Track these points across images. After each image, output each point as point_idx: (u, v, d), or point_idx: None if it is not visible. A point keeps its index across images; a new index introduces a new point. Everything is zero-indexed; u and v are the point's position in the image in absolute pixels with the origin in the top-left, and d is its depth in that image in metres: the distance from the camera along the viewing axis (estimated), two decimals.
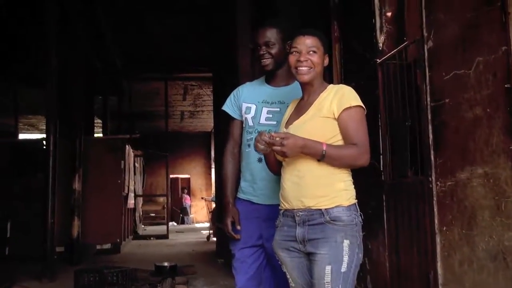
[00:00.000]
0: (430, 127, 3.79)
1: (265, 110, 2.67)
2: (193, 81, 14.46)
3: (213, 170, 19.95)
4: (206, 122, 20.05)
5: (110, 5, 9.34)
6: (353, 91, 2.39)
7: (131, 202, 11.59)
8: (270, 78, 2.75)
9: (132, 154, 11.59)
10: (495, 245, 3.05)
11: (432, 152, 3.76)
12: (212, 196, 17.25)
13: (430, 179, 3.75)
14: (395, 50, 4.40)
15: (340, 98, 2.32)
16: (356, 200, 2.42)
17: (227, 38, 7.07)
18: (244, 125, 2.72)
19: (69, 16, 8.31)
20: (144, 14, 9.73)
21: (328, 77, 6.32)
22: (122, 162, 10.02)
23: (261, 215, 2.62)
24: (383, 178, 4.59)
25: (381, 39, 4.75)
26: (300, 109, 2.41)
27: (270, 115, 2.66)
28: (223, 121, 8.56)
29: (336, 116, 2.29)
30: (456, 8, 3.49)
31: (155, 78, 13.82)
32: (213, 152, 19.17)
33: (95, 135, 14.54)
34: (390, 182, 4.50)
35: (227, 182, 2.72)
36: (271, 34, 2.66)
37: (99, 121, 15.38)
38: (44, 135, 8.50)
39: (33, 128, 20.23)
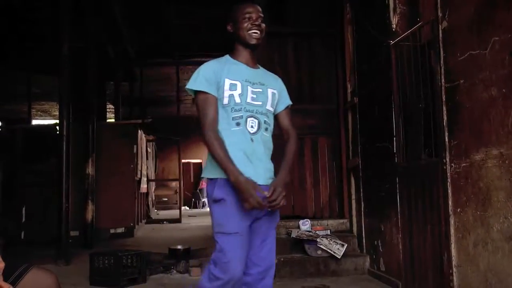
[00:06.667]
0: (444, 108, 3.77)
1: (249, 89, 2.55)
2: None
3: None
4: None
5: None
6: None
7: (143, 186, 11.66)
8: (243, 58, 2.65)
9: (144, 139, 11.62)
10: (510, 226, 3.04)
11: (446, 133, 3.74)
12: None
13: (444, 160, 3.74)
14: (408, 31, 4.36)
15: None
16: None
17: None
18: (226, 102, 2.51)
19: (82, 2, 8.32)
20: (161, 1, 9.69)
21: (340, 59, 6.30)
22: (135, 147, 10.05)
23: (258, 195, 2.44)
24: (396, 160, 4.58)
25: (394, 20, 4.71)
26: None
27: (254, 96, 2.56)
28: None
29: None
30: None
31: (167, 63, 13.81)
32: None
33: (108, 120, 14.61)
34: (403, 164, 4.49)
35: (228, 160, 2.39)
36: (261, 12, 2.65)
37: (111, 106, 15.44)
38: (57, 121, 8.55)
39: (46, 114, 20.37)
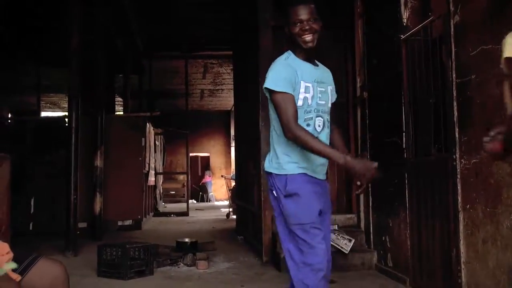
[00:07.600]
0: (455, 104, 3.74)
1: (318, 90, 2.64)
2: (213, 59, 14.42)
3: (232, 149, 19.99)
4: (226, 100, 20.04)
5: None
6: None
7: (151, 179, 11.69)
8: (309, 56, 2.68)
9: (152, 132, 11.63)
10: None
11: (456, 129, 3.71)
12: (232, 174, 17.31)
13: (454, 156, 3.71)
14: (420, 26, 4.33)
15: None
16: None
17: (248, 16, 7.01)
18: (300, 104, 2.58)
19: None
20: None
21: (350, 53, 6.26)
22: (143, 139, 10.07)
23: (322, 190, 2.71)
24: (405, 155, 4.56)
25: (405, 14, 4.67)
26: None
27: (320, 95, 2.65)
28: (243, 100, 8.56)
29: None
30: None
31: (175, 57, 13.82)
32: (232, 130, 19.18)
33: (116, 113, 14.65)
34: (413, 160, 4.47)
35: (328, 148, 2.53)
36: (314, 10, 2.62)
37: (120, 99, 15.48)
38: (66, 113, 8.57)
39: (55, 106, 20.47)
